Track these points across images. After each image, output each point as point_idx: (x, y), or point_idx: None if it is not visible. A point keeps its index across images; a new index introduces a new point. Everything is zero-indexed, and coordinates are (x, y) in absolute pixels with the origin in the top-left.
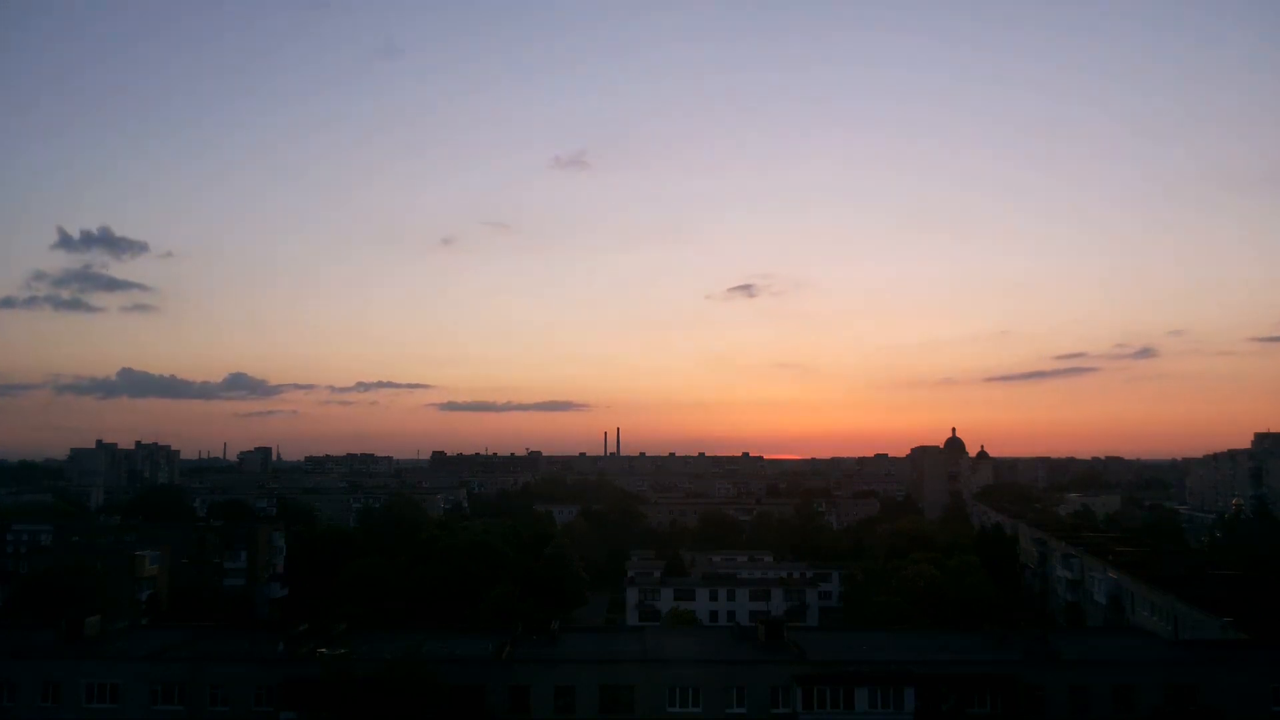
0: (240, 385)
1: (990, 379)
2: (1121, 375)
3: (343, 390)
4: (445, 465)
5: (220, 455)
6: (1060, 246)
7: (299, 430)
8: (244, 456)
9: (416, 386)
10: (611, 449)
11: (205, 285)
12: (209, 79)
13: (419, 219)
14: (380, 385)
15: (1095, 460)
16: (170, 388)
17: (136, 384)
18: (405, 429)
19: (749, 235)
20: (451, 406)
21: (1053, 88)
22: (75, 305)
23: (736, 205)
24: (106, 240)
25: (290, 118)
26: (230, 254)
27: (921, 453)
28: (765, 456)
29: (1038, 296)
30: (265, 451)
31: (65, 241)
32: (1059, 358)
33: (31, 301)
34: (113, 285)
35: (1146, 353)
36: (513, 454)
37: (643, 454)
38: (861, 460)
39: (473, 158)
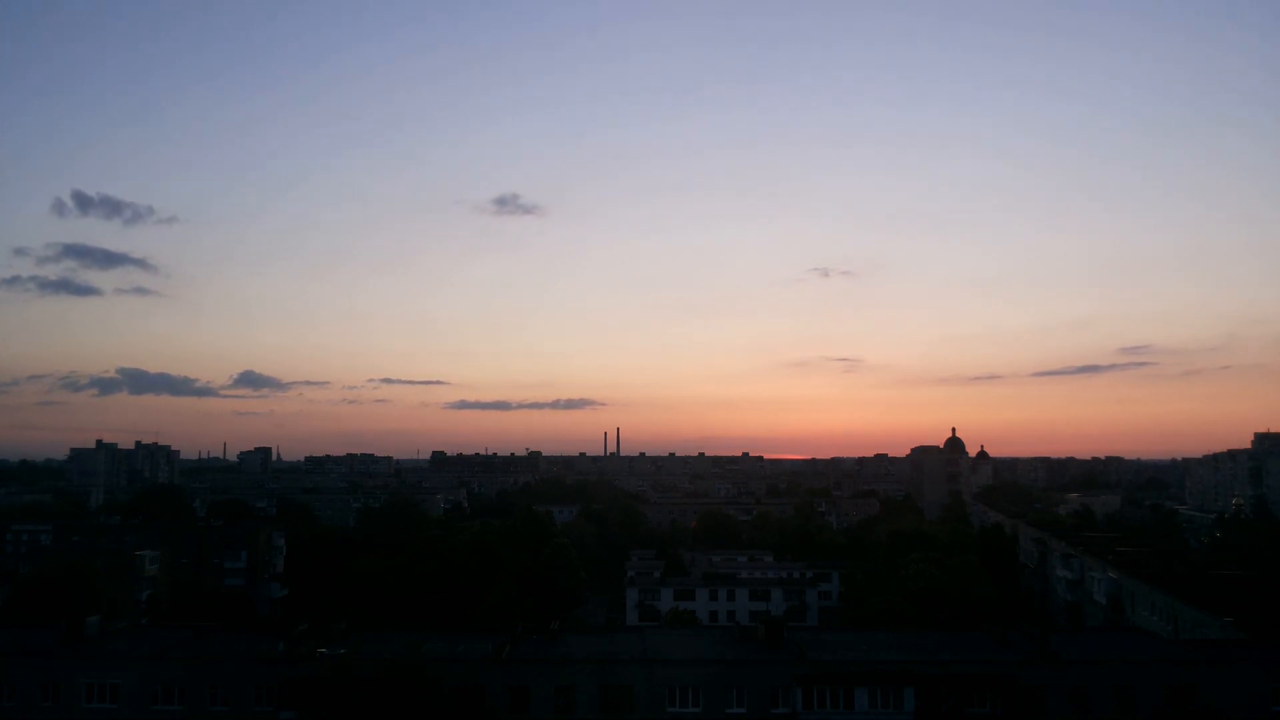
0: (249, 382)
1: (1039, 373)
2: (1180, 369)
3: (355, 388)
4: (445, 465)
5: (220, 455)
6: (1154, 235)
7: (310, 429)
8: (244, 456)
9: (431, 383)
10: (611, 449)
11: (213, 268)
12: (223, 34)
13: (465, 181)
14: (394, 382)
15: (1095, 460)
16: (175, 385)
17: (137, 381)
18: (416, 429)
19: (836, 209)
20: (462, 405)
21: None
22: (66, 287)
23: (828, 176)
24: (107, 206)
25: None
26: (240, 230)
27: (921, 453)
28: (765, 456)
29: (1129, 285)
30: (265, 451)
31: (58, 208)
32: (1121, 350)
33: (14, 281)
34: (109, 260)
35: (1222, 348)
36: (513, 454)
37: (643, 454)
38: (861, 460)
39: (535, 102)
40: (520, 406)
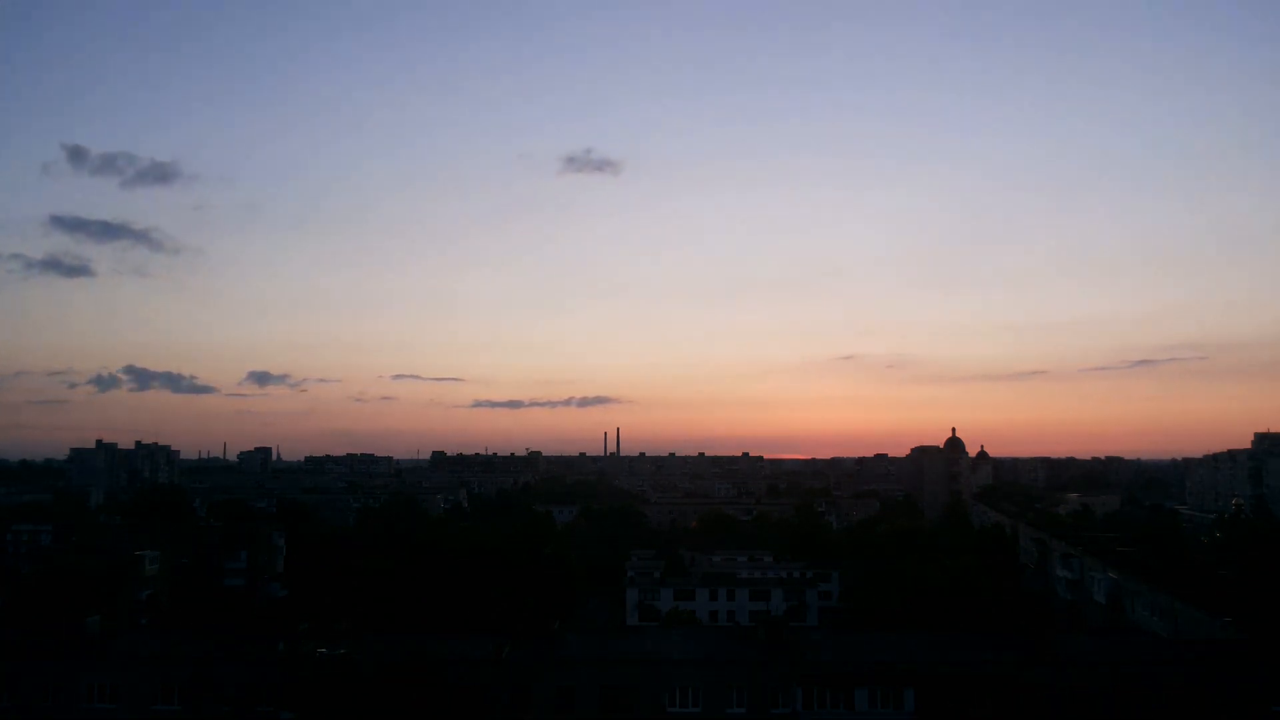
0: (257, 380)
1: (1089, 369)
2: (1231, 364)
3: (369, 385)
4: (445, 465)
5: (220, 455)
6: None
7: (320, 428)
8: (244, 456)
9: (447, 380)
10: (611, 449)
11: (223, 243)
12: None
13: (534, 136)
14: (410, 378)
15: (1095, 460)
16: (178, 383)
17: (138, 378)
18: (426, 428)
19: (916, 193)
20: (476, 405)
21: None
22: (56, 266)
23: (911, 157)
24: (104, 163)
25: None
26: (254, 198)
27: (921, 453)
28: (765, 456)
29: (1189, 277)
30: (265, 451)
31: (48, 168)
32: (1173, 346)
33: None
34: (106, 233)
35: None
36: (513, 454)
37: (643, 454)
38: (861, 460)
39: (618, 54)
40: (533, 405)
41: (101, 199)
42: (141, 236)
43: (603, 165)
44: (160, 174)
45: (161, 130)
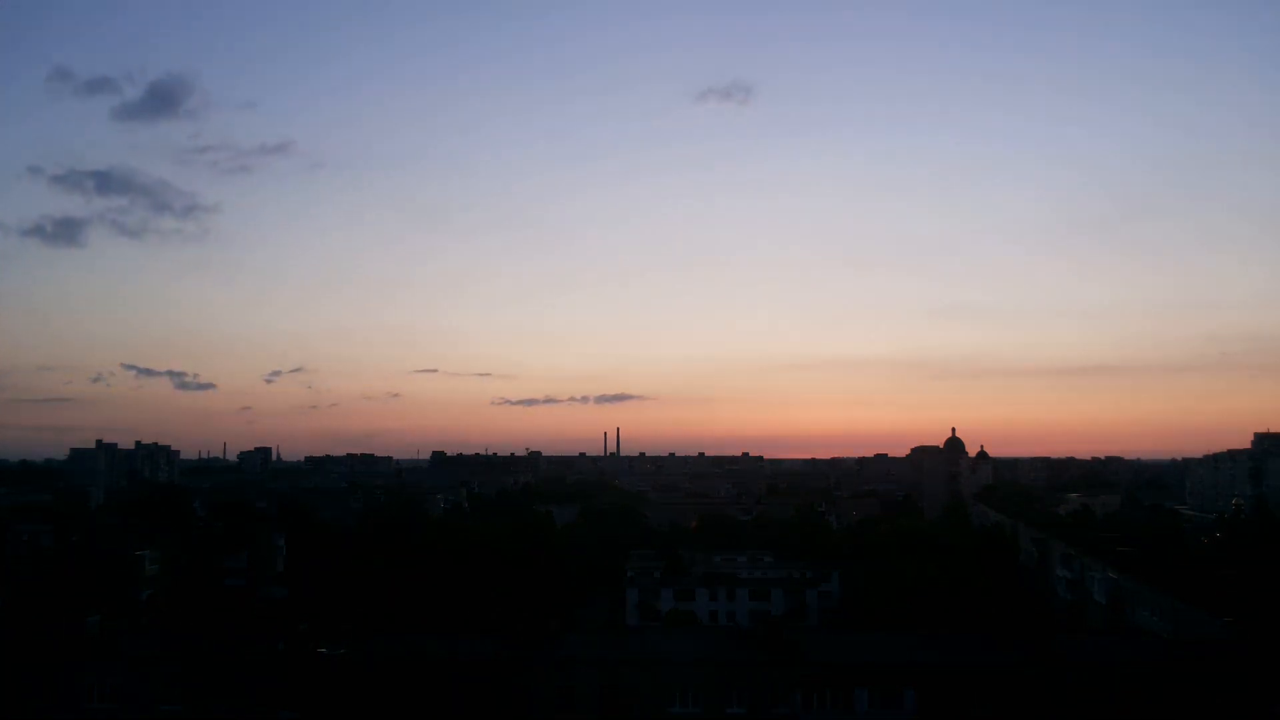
0: (268, 378)
1: (1153, 367)
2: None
3: (387, 381)
4: (445, 465)
5: (220, 455)
6: None
7: (331, 427)
8: (244, 456)
9: (470, 375)
10: (611, 448)
11: (239, 208)
12: None
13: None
14: (428, 372)
15: (1095, 460)
16: (185, 381)
17: (137, 377)
18: (437, 426)
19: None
20: (494, 402)
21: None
22: (39, 233)
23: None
24: (99, 86)
25: None
26: (277, 138)
27: (921, 453)
28: (766, 456)
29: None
30: (265, 451)
31: (29, 98)
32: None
33: None
34: (104, 185)
35: None
36: (513, 454)
37: (642, 454)
38: (861, 460)
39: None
40: (547, 402)
41: (93, 140)
42: (142, 191)
43: (731, 92)
44: (166, 98)
45: (167, 44)
